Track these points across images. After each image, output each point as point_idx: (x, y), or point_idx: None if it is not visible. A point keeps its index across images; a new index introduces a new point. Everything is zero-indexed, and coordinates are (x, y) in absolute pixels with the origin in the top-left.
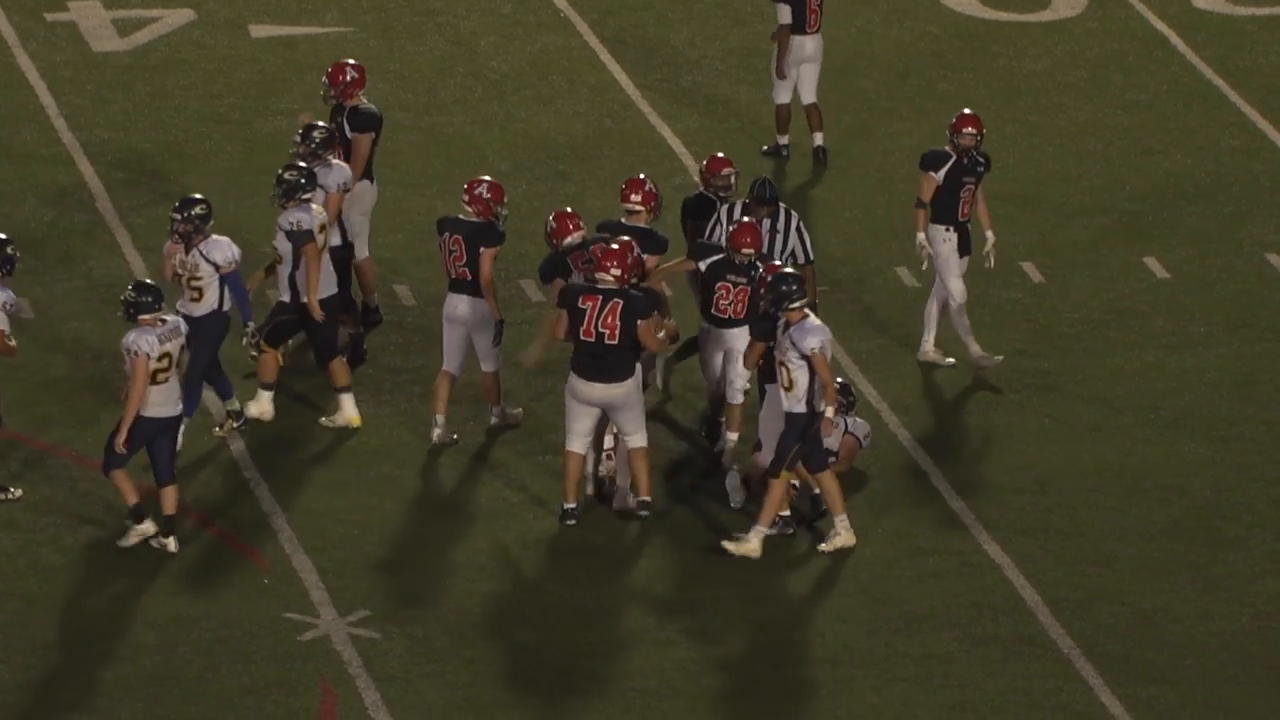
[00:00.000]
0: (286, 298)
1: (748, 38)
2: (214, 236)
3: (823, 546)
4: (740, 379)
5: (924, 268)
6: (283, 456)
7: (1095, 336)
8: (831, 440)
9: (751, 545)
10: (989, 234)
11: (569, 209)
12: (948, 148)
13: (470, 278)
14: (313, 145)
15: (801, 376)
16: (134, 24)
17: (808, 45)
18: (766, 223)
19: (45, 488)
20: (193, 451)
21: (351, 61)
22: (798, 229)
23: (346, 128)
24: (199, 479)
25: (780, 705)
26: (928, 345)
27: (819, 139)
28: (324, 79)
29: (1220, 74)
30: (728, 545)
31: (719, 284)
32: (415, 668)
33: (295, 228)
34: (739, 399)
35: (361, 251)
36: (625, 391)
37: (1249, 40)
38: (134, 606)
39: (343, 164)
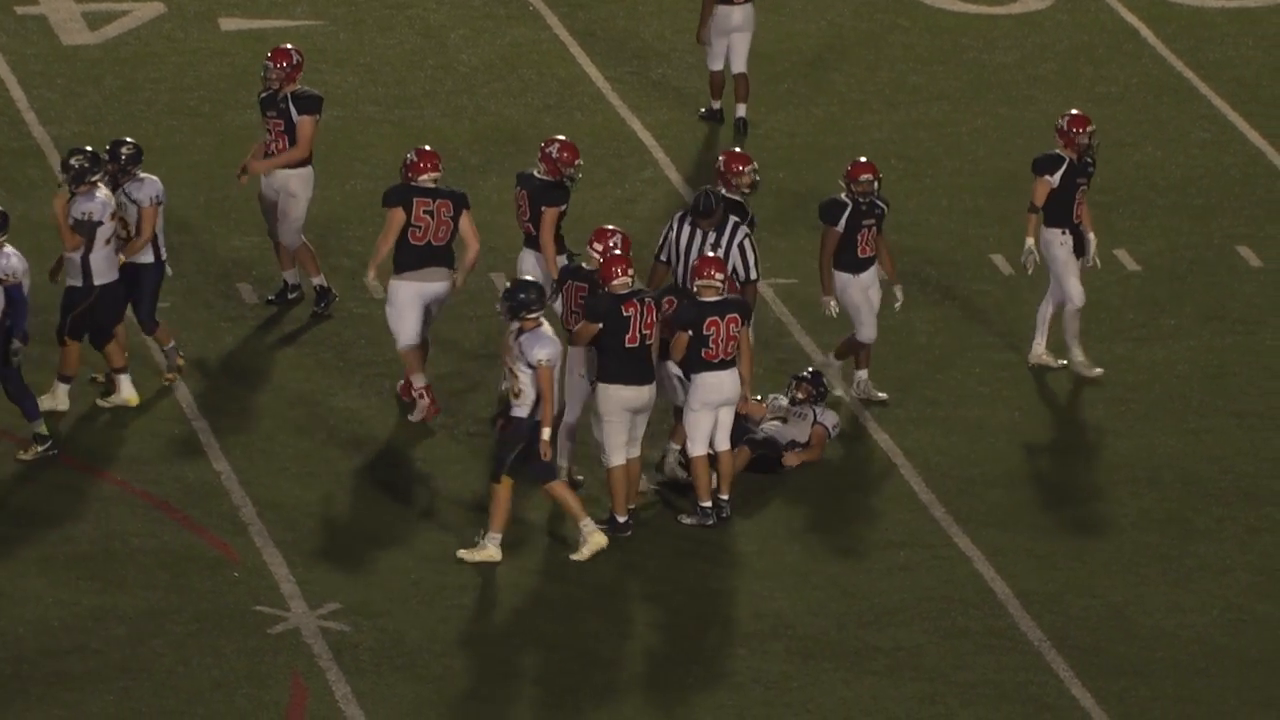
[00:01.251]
0: (79, 283)
1: None
2: (142, 175)
3: (574, 556)
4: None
5: (1029, 273)
6: (254, 449)
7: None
8: (799, 431)
9: (489, 551)
10: (1090, 236)
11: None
12: (1058, 151)
13: (534, 232)
14: (120, 162)
15: (529, 385)
16: (104, 17)
17: (735, 15)
18: (713, 236)
19: (16, 481)
20: (164, 442)
21: (290, 45)
22: (740, 245)
23: (293, 111)
24: (170, 472)
25: (751, 697)
26: (1039, 348)
27: (742, 110)
28: (266, 63)
29: (1191, 67)
30: (463, 554)
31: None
32: (386, 661)
33: (86, 218)
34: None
35: (296, 240)
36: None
37: (1219, 33)
38: (104, 599)
39: (153, 178)
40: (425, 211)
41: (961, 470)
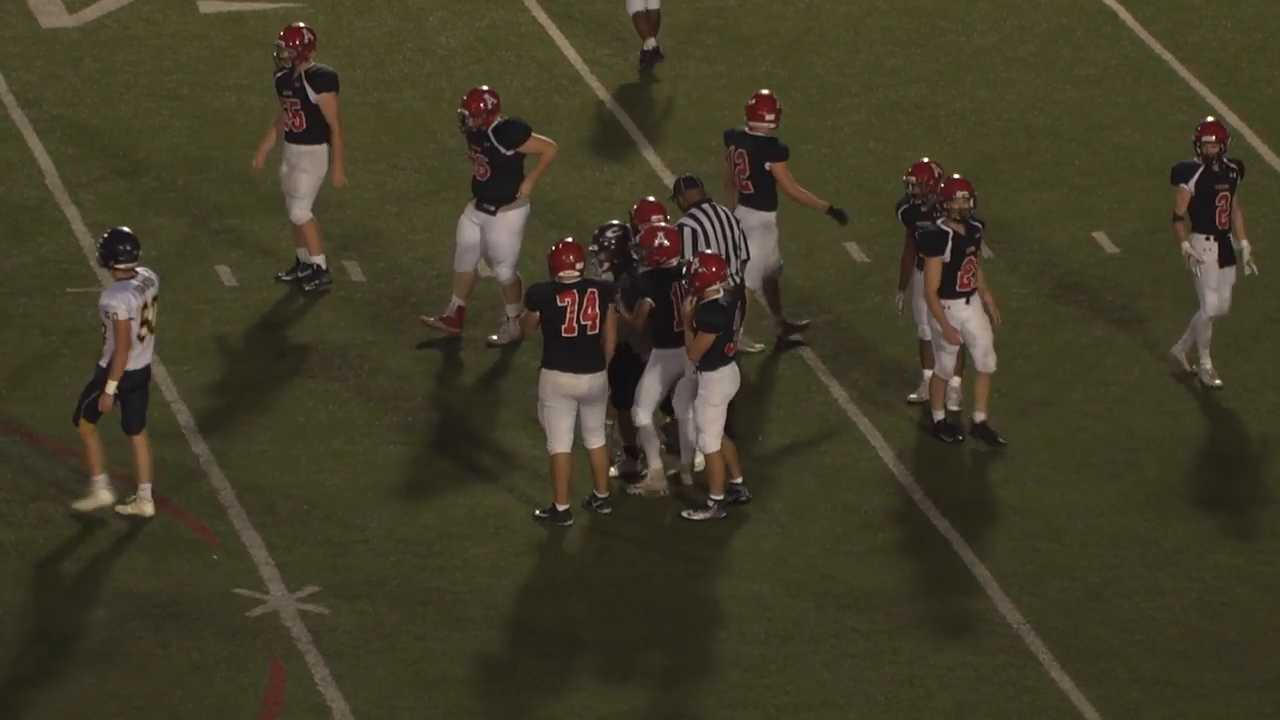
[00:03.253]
0: None
1: (696, 13)
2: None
3: (119, 508)
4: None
5: (1199, 278)
6: (232, 432)
7: (1044, 311)
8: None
9: (99, 497)
10: (1244, 243)
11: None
12: (1195, 157)
13: (753, 190)
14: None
15: (110, 335)
16: (83, 0)
17: None
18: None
19: None
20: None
21: (302, 24)
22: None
23: (309, 91)
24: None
25: (730, 680)
26: (1204, 360)
27: (651, 43)
28: (278, 42)
29: (1169, 49)
30: (77, 505)
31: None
32: (364, 644)
33: None
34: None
35: (305, 214)
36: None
37: (1198, 15)
38: (83, 582)
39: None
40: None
41: (940, 452)
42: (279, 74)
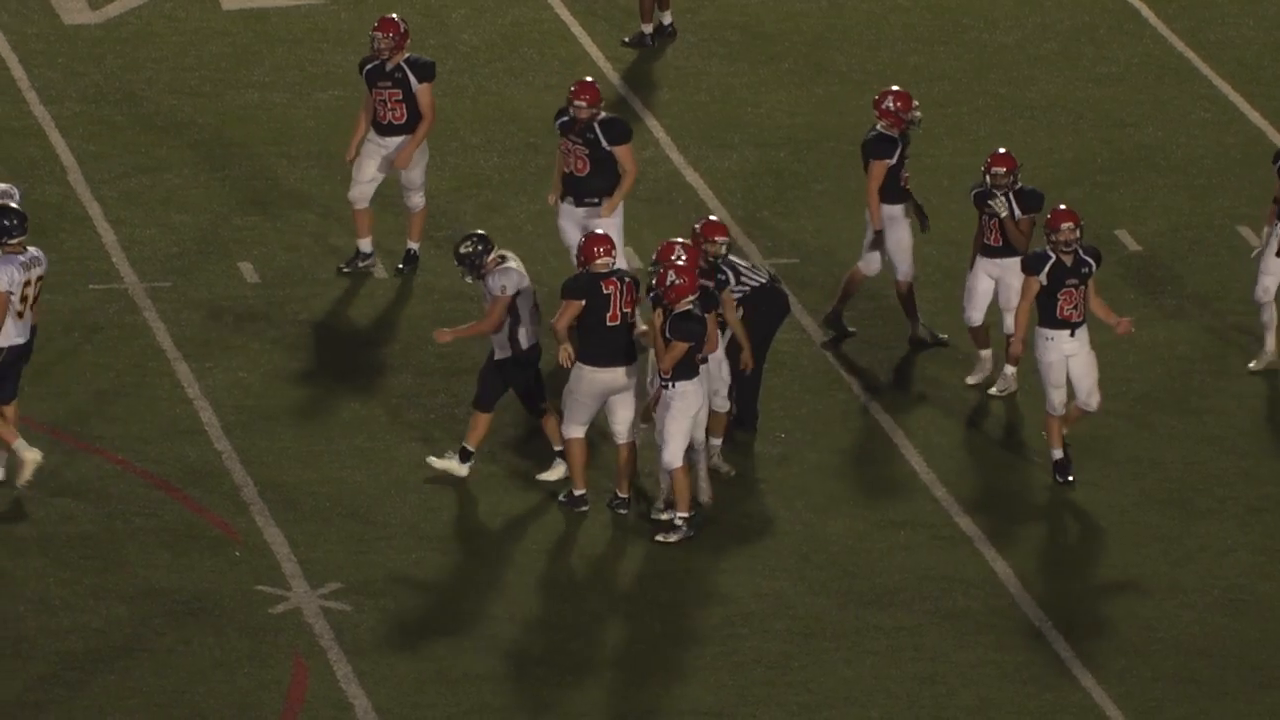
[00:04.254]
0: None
1: (718, 10)
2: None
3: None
4: (723, 386)
5: None
6: (255, 429)
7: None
8: None
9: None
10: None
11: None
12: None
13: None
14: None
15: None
16: None
17: None
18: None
19: (15, 461)
20: (165, 422)
21: (395, 15)
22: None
23: (412, 80)
24: (171, 451)
25: (753, 677)
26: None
27: (667, 17)
28: (374, 34)
29: (1192, 46)
30: None
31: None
32: (387, 640)
33: None
34: (725, 407)
35: (420, 202)
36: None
37: (1220, 13)
38: (106, 579)
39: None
40: None
41: (962, 451)
42: (370, 65)
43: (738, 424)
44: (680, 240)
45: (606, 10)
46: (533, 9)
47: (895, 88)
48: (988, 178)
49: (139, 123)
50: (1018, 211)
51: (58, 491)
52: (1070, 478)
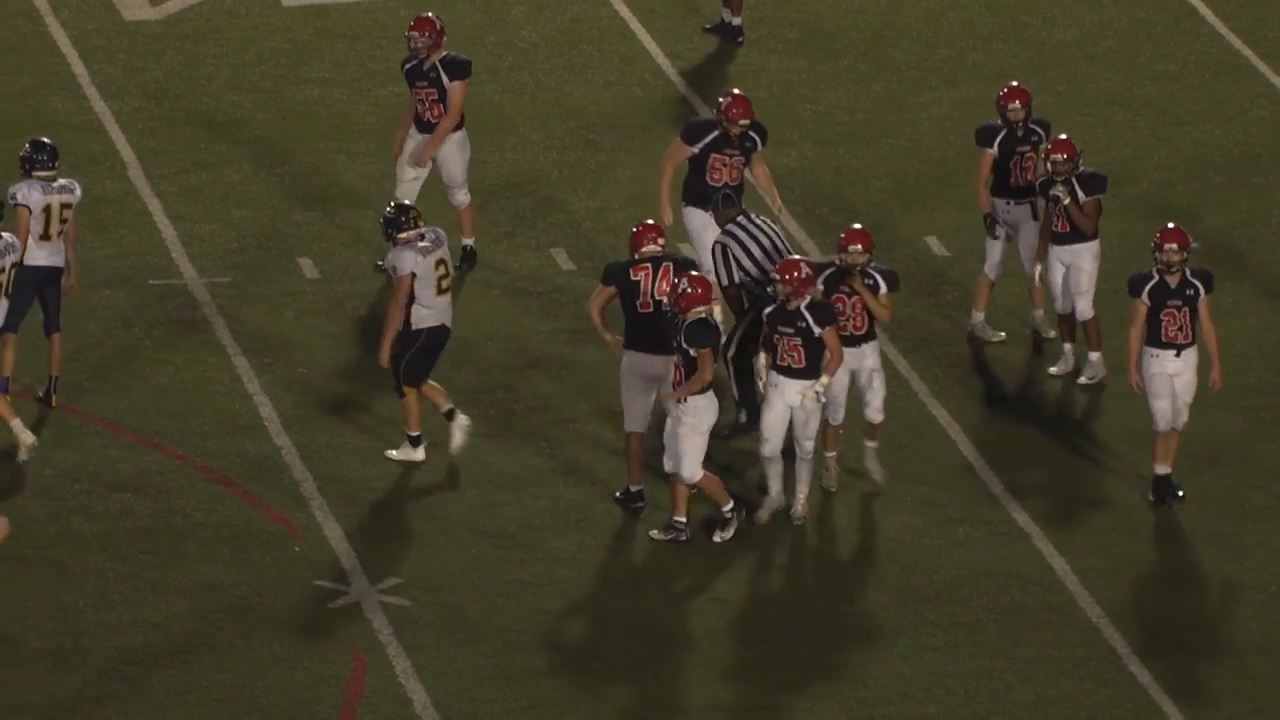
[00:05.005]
0: None
1: (777, 6)
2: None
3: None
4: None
5: None
6: (314, 425)
7: (1125, 306)
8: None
9: None
10: None
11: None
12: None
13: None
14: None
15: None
16: None
17: None
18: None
19: (76, 456)
20: (225, 418)
21: (430, 14)
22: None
23: (444, 78)
24: (231, 447)
25: (810, 674)
26: None
27: (736, 20)
28: (410, 33)
29: (1249, 44)
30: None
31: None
32: (445, 636)
33: None
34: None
35: (466, 199)
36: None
37: (1277, 10)
38: (165, 574)
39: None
40: None
41: (1020, 447)
42: (409, 65)
43: (752, 425)
44: (802, 257)
45: (665, 7)
46: (592, 5)
47: (1015, 83)
48: (1048, 165)
49: (199, 119)
50: (1081, 195)
51: (117, 487)
52: (1163, 502)
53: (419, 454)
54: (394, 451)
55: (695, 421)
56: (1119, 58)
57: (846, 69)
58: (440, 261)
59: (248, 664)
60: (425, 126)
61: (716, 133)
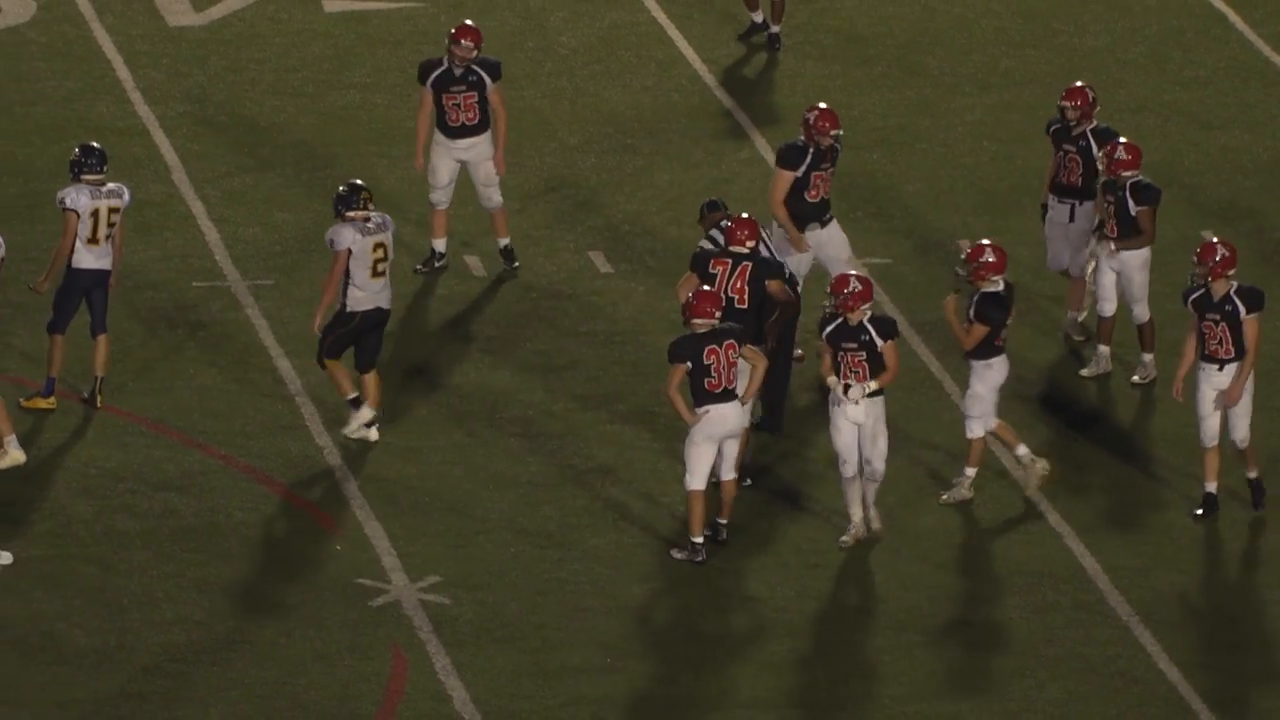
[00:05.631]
0: None
1: (813, 13)
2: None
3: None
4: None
5: None
6: None
7: (1154, 309)
8: None
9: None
10: None
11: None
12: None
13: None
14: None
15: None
16: None
17: None
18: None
19: (120, 455)
20: (267, 418)
21: (470, 21)
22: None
23: (487, 80)
24: (273, 447)
25: (844, 670)
26: None
27: (776, 28)
28: (461, 41)
29: (1278, 50)
30: None
31: None
32: (485, 633)
33: None
34: (979, 432)
35: (500, 199)
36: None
37: None
38: (208, 572)
39: None
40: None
41: (1052, 447)
42: (438, 72)
43: (765, 427)
44: (989, 241)
45: (702, 14)
46: (630, 12)
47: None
48: (1101, 162)
49: (242, 123)
50: (1133, 206)
51: (161, 486)
52: (1201, 515)
53: (365, 414)
54: (347, 428)
55: (706, 431)
56: (1149, 64)
57: (881, 75)
58: (379, 244)
59: (289, 661)
60: (455, 131)
61: (812, 151)
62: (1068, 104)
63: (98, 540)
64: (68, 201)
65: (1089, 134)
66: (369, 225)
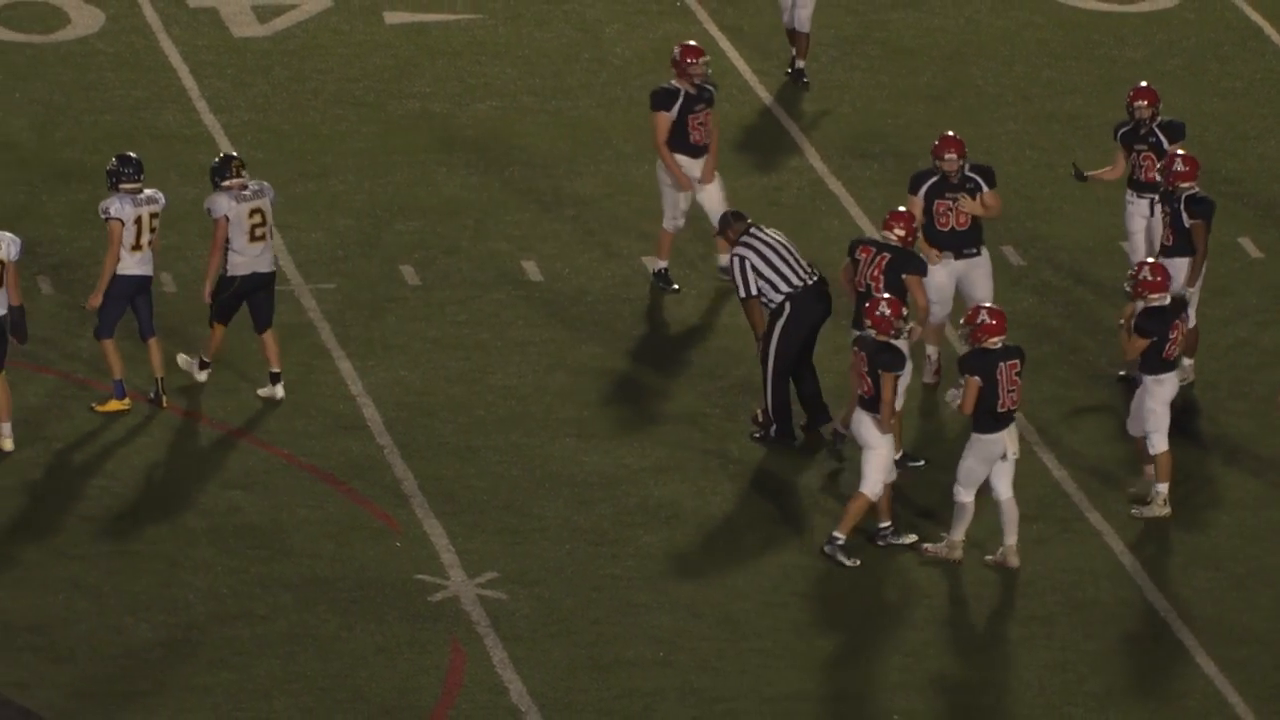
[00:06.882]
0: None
1: (859, 25)
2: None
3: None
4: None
5: None
6: (415, 425)
7: (1197, 314)
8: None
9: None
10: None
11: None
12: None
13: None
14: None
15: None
16: (273, 10)
17: None
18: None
19: (186, 454)
20: (329, 418)
21: (691, 41)
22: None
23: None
24: (334, 446)
25: (889, 664)
26: None
27: (799, 63)
28: (698, 60)
29: None
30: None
31: None
32: (541, 627)
33: None
34: (1163, 446)
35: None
36: None
37: None
38: (272, 568)
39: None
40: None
41: (1091, 449)
42: (686, 92)
43: (814, 425)
44: (1152, 260)
45: (753, 25)
46: (682, 24)
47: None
48: (1159, 170)
49: (305, 131)
50: (1186, 219)
51: (226, 484)
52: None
53: (201, 375)
54: (261, 389)
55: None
56: (1187, 75)
57: (926, 85)
58: (256, 210)
59: (351, 654)
60: (696, 150)
61: (683, 93)
62: (1141, 103)
63: (164, 537)
64: (112, 211)
65: (1155, 129)
66: (245, 193)
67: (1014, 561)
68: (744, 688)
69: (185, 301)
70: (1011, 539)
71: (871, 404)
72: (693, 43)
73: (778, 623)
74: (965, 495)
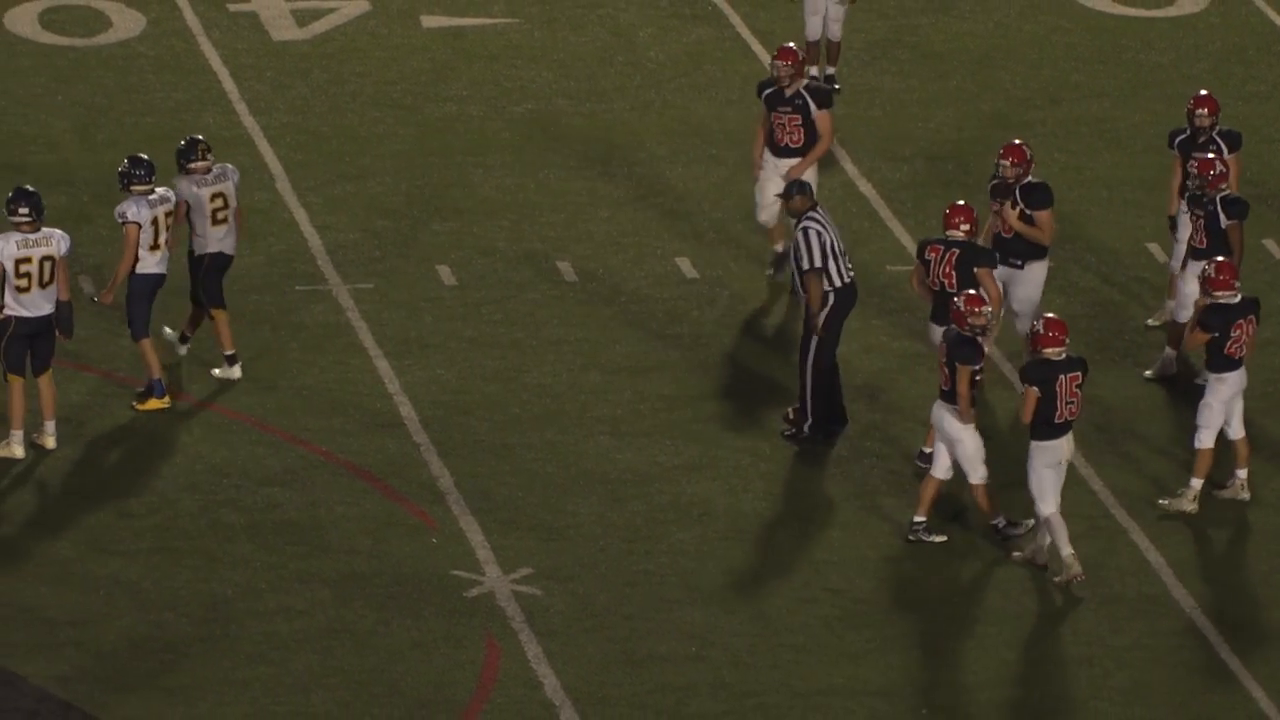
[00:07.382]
0: None
1: (890, 29)
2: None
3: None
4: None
5: None
6: (450, 423)
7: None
8: None
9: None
10: None
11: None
12: None
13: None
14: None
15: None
16: (312, 14)
17: None
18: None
19: (225, 451)
20: (365, 416)
21: (792, 44)
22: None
23: (811, 106)
24: (371, 443)
25: (918, 659)
26: None
27: (830, 69)
28: (776, 62)
29: None
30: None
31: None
32: (575, 623)
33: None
34: (1208, 443)
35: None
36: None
37: None
38: (309, 564)
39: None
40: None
41: (1119, 447)
42: (769, 91)
43: (833, 428)
44: (1221, 259)
45: (784, 29)
46: (715, 28)
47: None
48: (1193, 181)
49: (343, 133)
50: (1223, 219)
51: (264, 481)
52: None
53: (234, 371)
54: (216, 370)
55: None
56: (1212, 79)
57: (956, 89)
58: (218, 194)
59: (387, 649)
60: (781, 151)
61: (770, 89)
62: (1202, 111)
63: (203, 533)
64: (129, 215)
65: (1216, 136)
66: (207, 177)
67: (1077, 570)
68: (775, 682)
69: (174, 278)
70: (1066, 550)
71: (949, 395)
72: (789, 44)
73: (809, 618)
74: (1048, 508)
